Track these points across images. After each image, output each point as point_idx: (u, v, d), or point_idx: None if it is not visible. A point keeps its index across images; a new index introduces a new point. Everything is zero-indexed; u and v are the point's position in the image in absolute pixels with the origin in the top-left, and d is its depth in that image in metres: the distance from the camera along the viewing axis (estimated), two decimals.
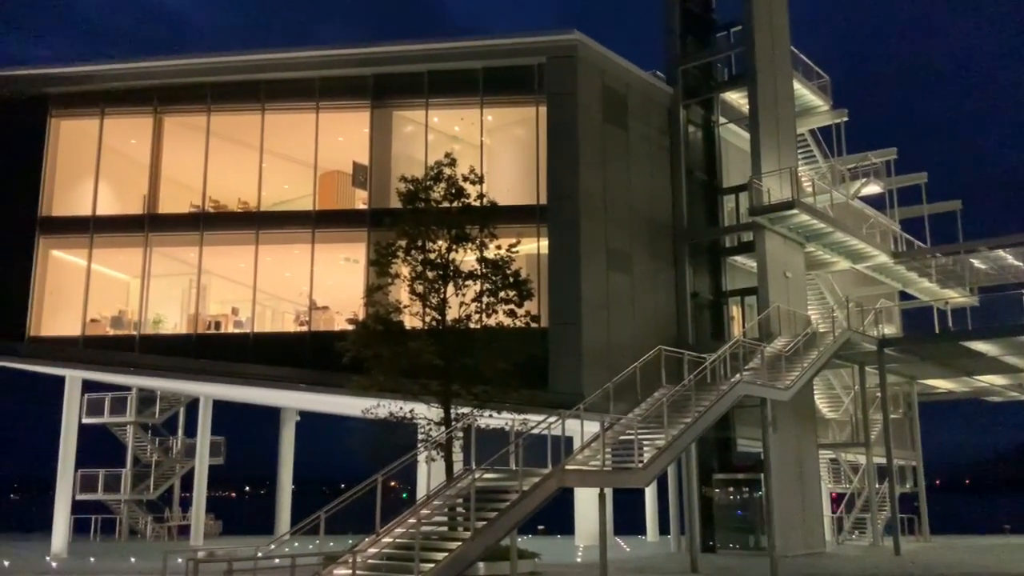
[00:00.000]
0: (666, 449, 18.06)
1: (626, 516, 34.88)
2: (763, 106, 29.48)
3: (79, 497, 34.72)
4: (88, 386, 32.71)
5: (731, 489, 27.67)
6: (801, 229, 28.92)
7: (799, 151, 32.92)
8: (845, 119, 34.65)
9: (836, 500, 35.48)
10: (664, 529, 33.01)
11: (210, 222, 27.62)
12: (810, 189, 31.10)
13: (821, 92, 34.04)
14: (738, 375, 21.00)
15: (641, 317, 27.19)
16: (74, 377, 29.32)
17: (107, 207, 28.26)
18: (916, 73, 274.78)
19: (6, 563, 24.90)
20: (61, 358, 27.70)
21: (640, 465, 17.66)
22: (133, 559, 26.34)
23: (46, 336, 27.55)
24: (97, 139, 28.21)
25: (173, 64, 28.21)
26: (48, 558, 27.00)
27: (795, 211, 27.18)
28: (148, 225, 27.75)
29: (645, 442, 18.57)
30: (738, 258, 30.76)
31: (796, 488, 26.85)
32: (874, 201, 36.98)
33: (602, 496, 17.82)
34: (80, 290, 27.55)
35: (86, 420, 35.96)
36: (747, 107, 30.18)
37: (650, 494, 34.49)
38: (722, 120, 31.88)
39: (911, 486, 34.68)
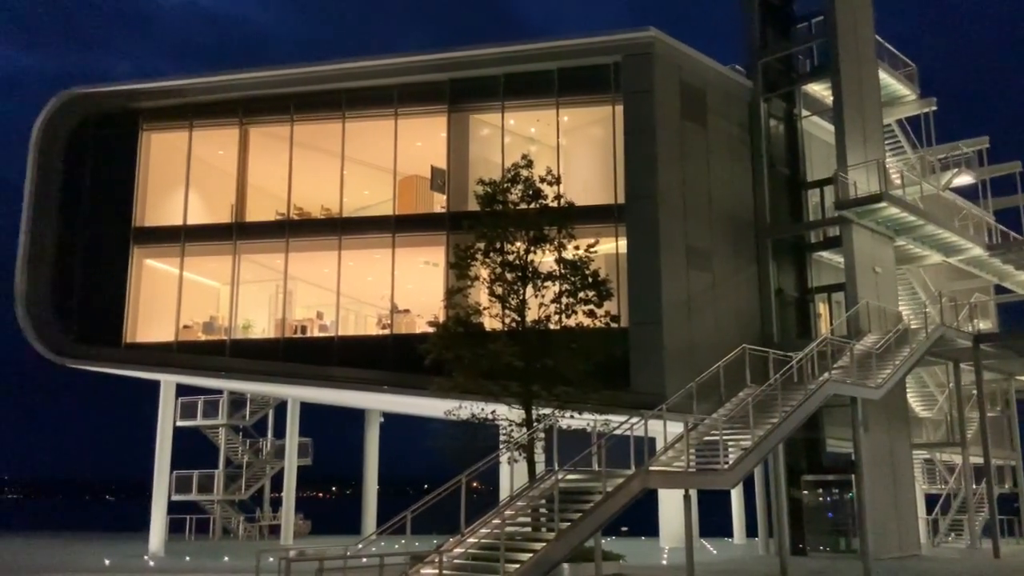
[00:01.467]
0: (752, 450, 17.75)
1: (712, 518, 34.36)
2: (847, 97, 28.70)
3: (174, 498, 35.94)
4: (182, 390, 33.84)
5: (821, 491, 27.00)
6: (890, 223, 28.04)
7: (886, 142, 31.97)
8: (934, 108, 33.50)
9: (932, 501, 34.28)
10: (751, 531, 32.41)
11: (295, 229, 28.29)
12: (899, 181, 30.15)
13: (908, 81, 32.95)
14: (827, 374, 20.49)
15: (723, 316, 26.75)
16: (169, 381, 30.38)
17: (197, 216, 29.23)
18: (1008, 57, 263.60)
19: (107, 561, 25.96)
20: (156, 363, 28.78)
21: (726, 466, 17.40)
22: (227, 558, 27.15)
23: (142, 342, 28.65)
24: (186, 151, 29.20)
25: (257, 76, 28.99)
26: (146, 557, 28.04)
27: (883, 204, 26.38)
28: (236, 233, 28.59)
29: (730, 443, 18.29)
30: (824, 254, 30.01)
31: (889, 489, 26.04)
32: (966, 192, 35.66)
33: (687, 498, 17.59)
34: (173, 297, 28.55)
35: (180, 423, 37.21)
36: (831, 99, 29.43)
37: (736, 496, 33.90)
38: (804, 113, 31.14)
39: (1010, 487, 33.33)
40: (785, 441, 20.99)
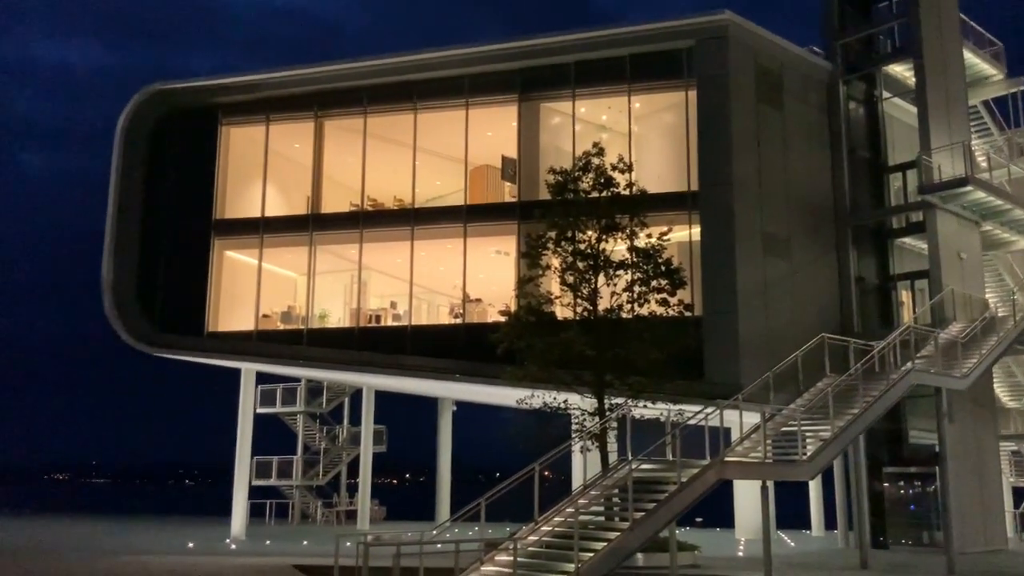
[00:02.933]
0: (832, 441, 17.37)
1: (789, 510, 33.76)
2: (931, 78, 27.74)
3: (255, 483, 36.92)
4: (261, 378, 34.69)
5: (903, 483, 26.30)
6: (976, 207, 27.04)
7: (971, 124, 30.78)
8: (1022, 88, 32.13)
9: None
10: (830, 524, 31.76)
11: (369, 220, 28.69)
12: (985, 164, 29.00)
13: (994, 60, 31.65)
14: (910, 363, 19.92)
15: (801, 304, 26.19)
16: (249, 369, 31.18)
17: (274, 209, 29.87)
18: None
19: (190, 544, 26.82)
20: (236, 352, 29.57)
21: (804, 457, 17.07)
22: (306, 542, 27.79)
23: (223, 331, 29.45)
24: (263, 144, 29.85)
25: (330, 70, 29.39)
26: (228, 540, 28.88)
27: (969, 188, 25.45)
28: (312, 224, 29.13)
29: (808, 434, 17.93)
30: (907, 240, 29.10)
31: (974, 481, 25.21)
32: None
33: (764, 489, 17.31)
34: (252, 288, 29.27)
35: (260, 410, 38.14)
36: (913, 80, 28.47)
37: (815, 488, 33.23)
38: (886, 95, 30.19)
39: None
40: (866, 432, 20.48)
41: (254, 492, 35.47)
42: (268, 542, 28.12)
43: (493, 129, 28.12)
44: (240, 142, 30.51)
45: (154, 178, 30.39)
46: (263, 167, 29.80)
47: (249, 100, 30.17)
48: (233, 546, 26.97)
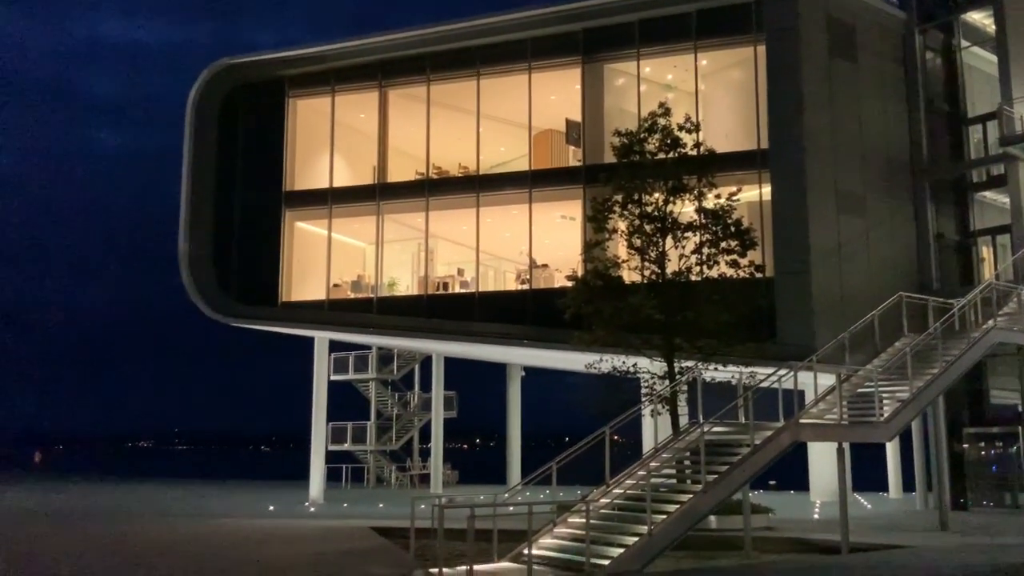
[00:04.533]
0: (910, 402, 17.02)
1: (865, 472, 33.20)
2: (1011, 25, 26.53)
3: (330, 448, 37.82)
4: (334, 346, 35.38)
5: (983, 444, 25.62)
6: None
7: None
8: None
9: None
10: (908, 486, 31.15)
11: (434, 188, 28.82)
12: None
13: None
14: (991, 321, 19.32)
15: (877, 262, 25.50)
16: (321, 338, 31.81)
17: (342, 179, 30.22)
18: None
19: (271, 507, 27.68)
20: (309, 321, 30.17)
21: (881, 419, 16.74)
22: (381, 505, 28.43)
23: (295, 301, 30.06)
24: (330, 115, 30.14)
25: (393, 38, 29.42)
26: (307, 503, 29.72)
27: None
28: (379, 194, 29.40)
29: (886, 395, 17.56)
30: (987, 193, 28.04)
31: None
32: None
33: (841, 451, 17.06)
34: (323, 257, 29.75)
35: (333, 377, 38.94)
36: (993, 28, 27.25)
37: (892, 449, 32.58)
38: (964, 44, 28.94)
39: None
40: (946, 393, 19.98)
41: (330, 457, 36.36)
42: (345, 505, 28.85)
43: (556, 93, 27.87)
44: (307, 114, 30.86)
45: (225, 152, 30.97)
46: (330, 138, 30.13)
47: (314, 72, 30.44)
48: (312, 509, 27.76)
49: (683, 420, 19.62)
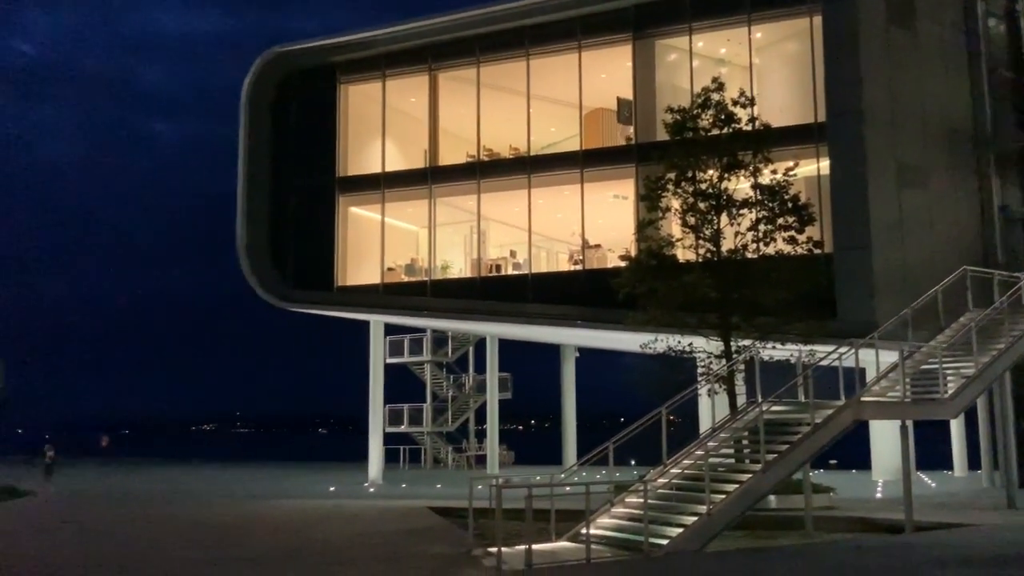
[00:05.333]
0: (975, 378, 16.60)
1: (929, 450, 32.54)
2: None
3: (387, 430, 38.27)
4: (389, 329, 35.74)
5: None
6: None
7: None
8: None
9: None
10: (974, 464, 30.44)
11: (485, 170, 28.85)
12: None
13: None
14: None
15: (940, 236, 24.82)
16: (377, 321, 32.16)
17: (394, 163, 30.42)
18: None
19: (331, 488, 28.16)
20: (364, 304, 30.54)
21: (946, 396, 16.36)
22: (439, 485, 28.73)
23: (351, 285, 30.42)
24: (381, 100, 30.32)
25: (442, 21, 29.42)
26: (366, 484, 30.16)
27: None
28: (431, 177, 29.54)
29: (950, 371, 17.14)
30: None
31: None
32: None
33: (904, 429, 16.73)
34: (376, 242, 30.04)
35: (389, 360, 39.33)
36: None
37: (957, 427, 31.86)
38: None
39: None
40: (1012, 368, 19.43)
41: (388, 439, 36.79)
42: (403, 485, 29.22)
43: (607, 71, 27.63)
44: (358, 99, 31.08)
45: (279, 140, 31.39)
46: (381, 123, 30.32)
47: (365, 57, 30.63)
48: (371, 489, 28.17)
49: (740, 399, 19.43)
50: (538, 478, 18.75)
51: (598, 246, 27.64)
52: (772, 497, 18.34)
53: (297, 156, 31.35)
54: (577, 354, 40.09)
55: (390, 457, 38.49)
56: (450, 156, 29.86)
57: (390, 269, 30.13)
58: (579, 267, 27.71)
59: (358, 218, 30.96)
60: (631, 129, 26.93)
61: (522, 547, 13.01)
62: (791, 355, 18.29)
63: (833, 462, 34.11)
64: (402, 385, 42.18)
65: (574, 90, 27.49)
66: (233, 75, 34.96)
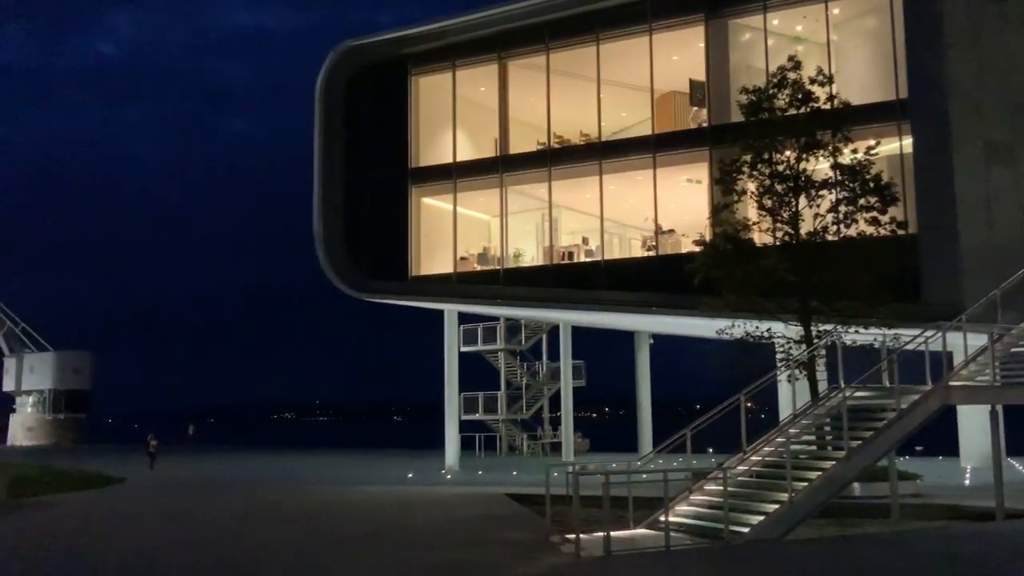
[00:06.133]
0: None
1: (1020, 436, 31.37)
2: None
3: (463, 418, 38.60)
4: (463, 318, 36.01)
5: None
6: None
7: None
8: None
9: None
10: None
11: (556, 157, 28.76)
12: None
13: None
14: None
15: None
16: (451, 310, 32.43)
17: (465, 153, 30.57)
18: None
19: (409, 475, 28.56)
20: (438, 294, 30.82)
21: None
22: (515, 472, 28.88)
23: (424, 275, 30.73)
24: (451, 91, 30.47)
25: (511, 9, 29.34)
26: (443, 471, 30.51)
27: None
28: (502, 166, 29.58)
29: None
30: None
31: None
32: None
33: (994, 414, 16.16)
34: (449, 232, 30.26)
35: (463, 349, 39.65)
36: None
37: None
38: None
39: None
40: None
41: (463, 426, 37.13)
42: (480, 472, 29.46)
43: (679, 53, 27.22)
44: (429, 90, 31.30)
45: (353, 133, 31.83)
46: (452, 113, 30.48)
47: (435, 48, 30.80)
48: (448, 476, 28.49)
49: (821, 385, 19.02)
50: (614, 465, 18.71)
51: (672, 231, 27.33)
52: (856, 485, 17.96)
53: (370, 148, 31.75)
54: (651, 341, 39.81)
55: (466, 444, 38.82)
56: (521, 144, 29.85)
57: (463, 258, 30.33)
58: (652, 253, 27.45)
59: (430, 208, 31.23)
60: (704, 111, 26.50)
61: (600, 534, 12.99)
62: (874, 339, 17.81)
63: (919, 449, 33.17)
64: (476, 373, 42.54)
65: (645, 74, 27.17)
66: (307, 70, 35.38)
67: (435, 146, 31.11)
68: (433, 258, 30.84)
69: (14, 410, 74.79)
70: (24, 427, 72.46)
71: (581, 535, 12.81)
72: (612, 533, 12.89)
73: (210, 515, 18.94)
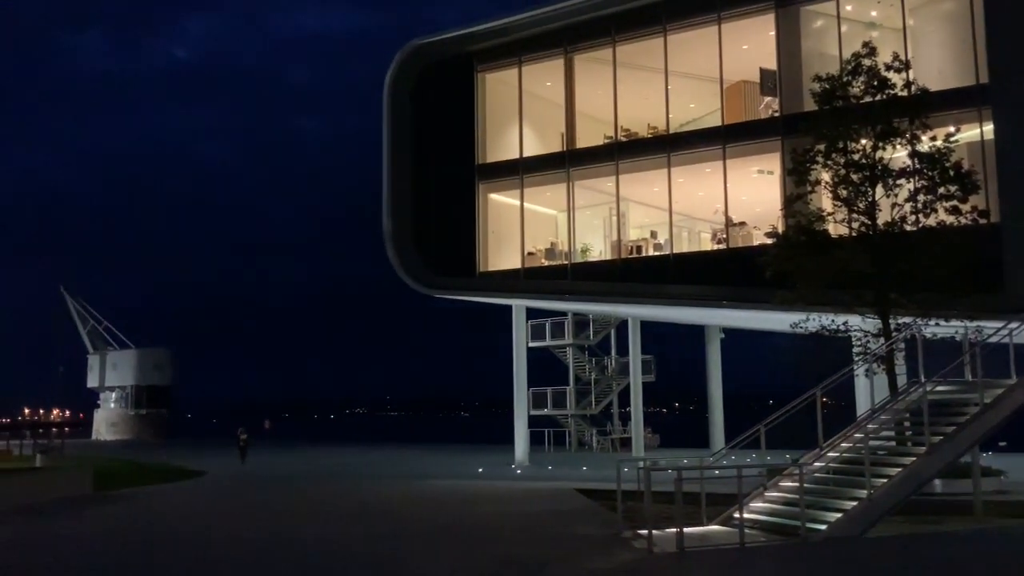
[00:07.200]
0: None
1: None
2: None
3: (531, 413, 38.66)
4: (530, 313, 36.06)
5: None
6: None
7: None
8: None
9: None
10: None
11: (623, 151, 28.57)
12: None
13: None
14: None
15: None
16: (519, 305, 32.51)
17: (531, 149, 30.59)
18: None
19: (479, 469, 28.74)
20: (506, 289, 30.92)
21: None
22: (584, 467, 28.84)
23: (492, 271, 30.86)
24: (517, 86, 30.52)
25: (578, 3, 29.16)
26: (512, 465, 30.62)
27: None
28: (568, 161, 29.52)
29: None
30: None
31: None
32: None
33: None
34: (516, 227, 30.33)
35: (531, 344, 39.69)
36: None
37: None
38: None
39: None
40: None
41: (532, 421, 37.21)
42: (549, 467, 29.50)
43: (748, 42, 26.76)
44: (495, 87, 31.40)
45: (420, 131, 32.13)
46: (518, 109, 30.53)
47: (501, 44, 30.87)
48: (518, 471, 28.60)
49: (900, 380, 18.51)
50: (685, 461, 18.54)
51: (743, 224, 26.89)
52: (937, 481, 17.42)
53: (438, 145, 32.00)
54: (722, 335, 39.25)
55: (535, 439, 38.91)
56: (587, 138, 29.74)
57: (530, 254, 30.37)
58: (723, 246, 27.06)
59: (498, 204, 31.34)
60: (775, 101, 26.01)
61: (672, 530, 12.90)
62: (956, 332, 17.28)
63: (1003, 444, 32.05)
64: (545, 368, 42.56)
65: (714, 64, 26.78)
66: (375, 70, 35.96)
67: (502, 142, 31.20)
68: (501, 254, 30.94)
69: (98, 406, 77.67)
70: (107, 422, 75.21)
71: (653, 531, 12.74)
72: (685, 529, 12.79)
73: (288, 507, 19.39)
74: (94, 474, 23.82)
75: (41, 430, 77.76)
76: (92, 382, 77.25)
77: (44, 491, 21.00)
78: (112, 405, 75.76)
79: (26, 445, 38.61)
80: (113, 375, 75.36)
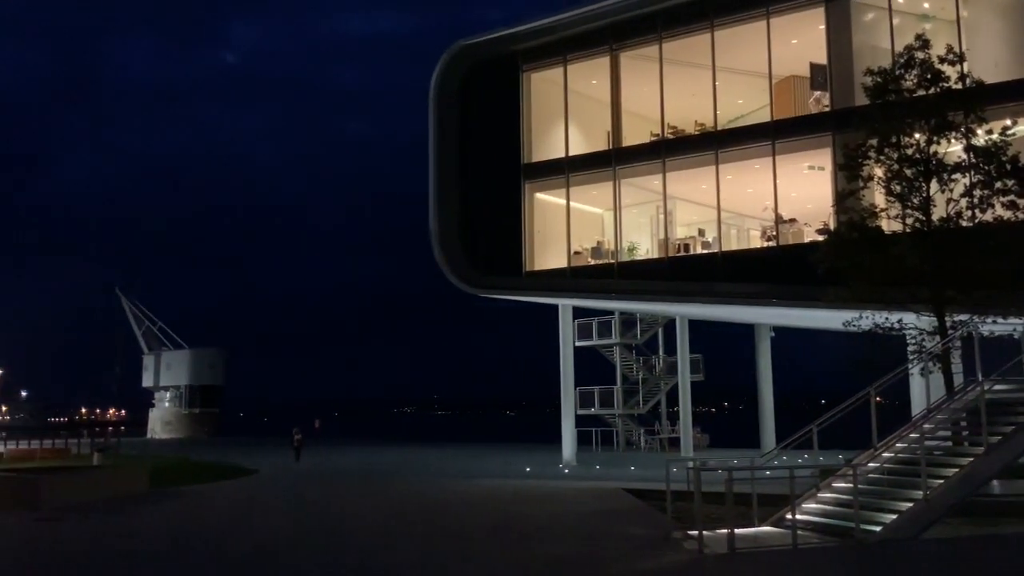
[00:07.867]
0: None
1: None
2: None
3: (579, 412, 38.55)
4: (577, 312, 35.97)
5: None
6: None
7: None
8: None
9: None
10: None
11: (670, 148, 28.37)
12: None
13: None
14: None
15: None
16: (565, 305, 32.45)
17: (577, 147, 30.51)
18: None
19: (527, 469, 28.76)
20: (552, 289, 30.89)
21: None
22: (632, 467, 28.69)
23: (538, 270, 30.85)
24: (563, 85, 30.46)
25: (623, 0, 29.06)
26: (560, 465, 30.59)
27: None
28: (614, 159, 29.39)
29: None
30: None
31: None
32: None
33: None
34: (562, 226, 30.28)
35: (578, 343, 39.58)
36: None
37: None
38: None
39: None
40: None
41: (579, 421, 37.12)
42: (597, 467, 29.41)
43: (798, 36, 26.39)
44: (541, 86, 31.39)
45: (466, 131, 32.25)
46: (563, 108, 30.48)
47: (546, 43, 30.85)
48: (566, 471, 28.56)
49: (957, 379, 18.10)
50: (736, 461, 18.34)
51: (793, 220, 26.53)
52: (995, 482, 17.03)
53: (483, 145, 32.10)
54: (772, 334, 38.74)
55: (583, 439, 38.80)
56: (633, 136, 29.58)
57: (577, 253, 30.30)
58: (772, 243, 26.71)
59: (544, 203, 31.33)
60: (826, 96, 25.61)
61: (723, 531, 12.79)
62: (1014, 330, 16.84)
63: None
64: (592, 368, 42.39)
65: (762, 59, 26.46)
66: (421, 71, 36.13)
67: (547, 141, 31.19)
68: (547, 253, 30.93)
69: (153, 405, 79.40)
70: (162, 421, 76.84)
71: (703, 532, 12.64)
72: (736, 530, 12.66)
73: (338, 505, 19.63)
74: (150, 472, 24.36)
75: (98, 429, 79.72)
76: (147, 382, 78.99)
77: (103, 489, 21.52)
78: (166, 404, 77.39)
79: (84, 444, 39.61)
80: (167, 375, 77.00)
